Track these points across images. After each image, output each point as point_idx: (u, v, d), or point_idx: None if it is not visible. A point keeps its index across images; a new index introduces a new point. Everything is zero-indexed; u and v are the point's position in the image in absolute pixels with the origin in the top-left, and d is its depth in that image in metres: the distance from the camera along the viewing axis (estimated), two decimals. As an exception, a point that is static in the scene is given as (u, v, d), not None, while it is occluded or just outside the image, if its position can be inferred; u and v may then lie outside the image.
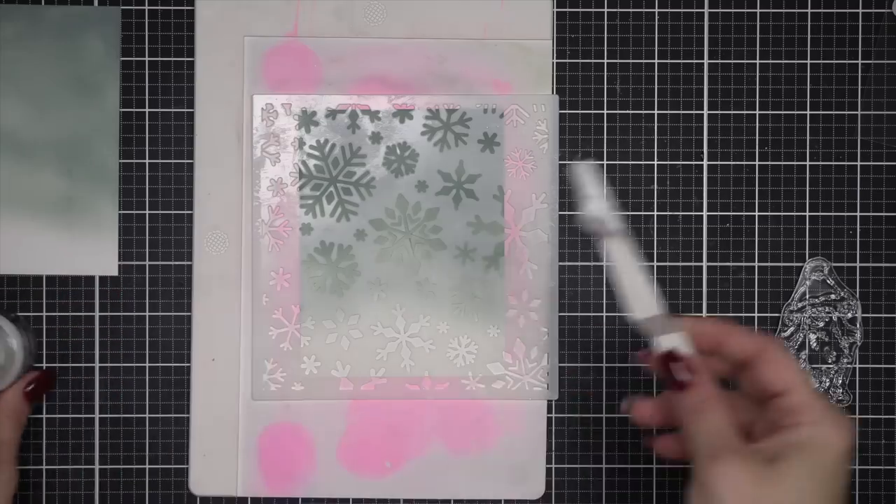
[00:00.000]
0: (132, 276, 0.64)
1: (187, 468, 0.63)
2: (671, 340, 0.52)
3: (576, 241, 0.64)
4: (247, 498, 0.64)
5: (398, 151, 0.63)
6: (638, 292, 0.52)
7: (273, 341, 0.63)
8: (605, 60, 0.64)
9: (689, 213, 0.64)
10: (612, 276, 0.55)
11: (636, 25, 0.64)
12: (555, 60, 0.64)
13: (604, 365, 0.64)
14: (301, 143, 0.63)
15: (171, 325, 0.64)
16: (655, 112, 0.64)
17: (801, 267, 0.64)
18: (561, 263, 0.64)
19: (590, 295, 0.64)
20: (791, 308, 0.64)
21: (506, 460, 0.64)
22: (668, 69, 0.64)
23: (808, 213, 0.65)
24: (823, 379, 0.64)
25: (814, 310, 0.64)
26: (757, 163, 0.64)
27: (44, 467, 0.63)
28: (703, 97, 0.64)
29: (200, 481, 0.63)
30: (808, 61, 0.65)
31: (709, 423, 0.49)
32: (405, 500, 0.64)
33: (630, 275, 0.52)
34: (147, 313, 0.64)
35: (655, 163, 0.64)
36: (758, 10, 0.65)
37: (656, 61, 0.64)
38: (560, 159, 0.64)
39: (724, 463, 0.47)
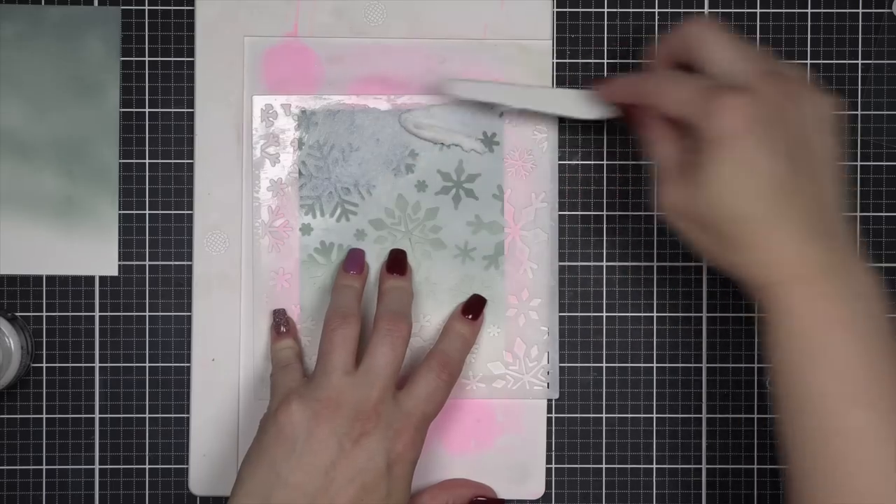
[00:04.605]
0: (132, 276, 0.64)
1: (187, 468, 0.63)
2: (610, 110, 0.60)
3: (576, 240, 0.64)
4: (247, 498, 0.64)
5: (397, 151, 0.63)
6: (565, 98, 0.61)
7: (273, 341, 0.63)
8: (605, 60, 0.64)
9: (689, 213, 0.64)
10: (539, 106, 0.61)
11: (636, 25, 0.64)
12: (555, 60, 0.64)
13: (604, 365, 0.64)
14: (301, 143, 0.63)
15: (171, 325, 0.64)
16: (655, 112, 0.64)
17: (802, 267, 0.64)
18: (561, 263, 0.64)
19: (590, 295, 0.64)
20: (791, 308, 0.64)
21: (506, 460, 0.63)
22: (668, 69, 0.64)
23: (808, 213, 0.64)
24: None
25: (814, 310, 0.64)
26: (757, 163, 0.64)
27: (44, 467, 0.63)
28: (703, 97, 0.64)
29: (200, 481, 0.63)
30: (808, 61, 0.65)
31: (657, 154, 0.56)
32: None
33: (543, 95, 0.61)
34: (147, 313, 0.64)
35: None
36: (758, 10, 0.65)
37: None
38: (560, 159, 0.64)
39: (664, 185, 0.54)
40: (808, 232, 0.51)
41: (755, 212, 0.51)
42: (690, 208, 0.53)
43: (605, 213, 0.64)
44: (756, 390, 0.64)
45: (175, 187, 0.64)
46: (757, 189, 0.51)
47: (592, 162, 0.64)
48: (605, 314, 0.64)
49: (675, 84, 0.54)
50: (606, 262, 0.64)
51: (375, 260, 0.63)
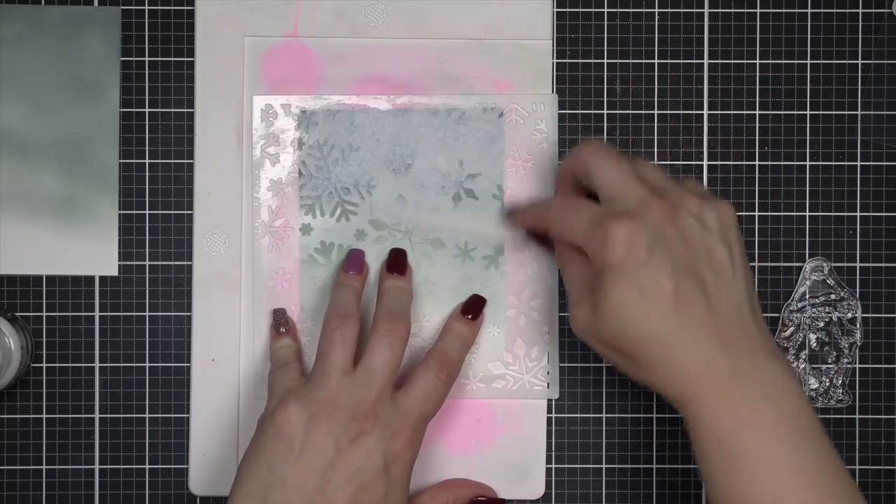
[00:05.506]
0: (132, 276, 0.64)
1: (187, 468, 0.63)
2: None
3: (576, 240, 0.64)
4: (247, 498, 0.64)
5: (397, 151, 0.63)
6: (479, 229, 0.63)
7: (273, 341, 0.63)
8: (605, 60, 0.64)
9: (689, 213, 0.64)
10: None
11: (636, 25, 0.64)
12: (555, 60, 0.64)
13: (604, 365, 0.64)
14: (301, 143, 0.63)
15: (171, 325, 0.64)
16: (655, 112, 0.64)
17: (801, 267, 0.64)
18: (561, 263, 0.64)
19: (590, 295, 0.64)
20: (791, 308, 0.64)
21: (506, 460, 0.63)
22: (668, 69, 0.64)
23: (808, 213, 0.65)
24: (823, 379, 0.64)
25: (814, 310, 0.64)
26: (757, 163, 0.65)
27: (44, 467, 0.63)
28: (703, 97, 0.65)
29: (200, 481, 0.63)
30: (808, 61, 0.65)
31: (566, 277, 0.57)
32: (405, 500, 0.64)
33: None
34: (147, 313, 0.64)
35: (655, 163, 0.64)
36: (758, 10, 0.65)
37: (656, 61, 0.64)
38: (559, 159, 0.64)
39: (573, 308, 0.55)
40: (709, 343, 0.52)
41: (653, 332, 0.52)
42: (598, 332, 0.54)
43: (605, 213, 0.64)
44: (756, 390, 0.64)
45: (175, 187, 0.64)
46: (650, 311, 0.52)
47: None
48: (605, 314, 0.64)
49: (571, 213, 0.55)
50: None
51: (375, 260, 0.63)
